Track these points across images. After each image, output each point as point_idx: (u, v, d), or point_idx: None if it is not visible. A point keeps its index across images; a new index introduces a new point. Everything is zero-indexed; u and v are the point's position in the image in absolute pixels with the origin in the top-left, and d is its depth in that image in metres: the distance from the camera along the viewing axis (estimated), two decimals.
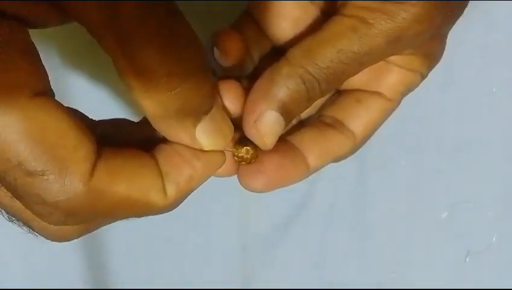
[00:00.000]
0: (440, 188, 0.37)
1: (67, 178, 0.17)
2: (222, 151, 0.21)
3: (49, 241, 0.20)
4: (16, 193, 0.17)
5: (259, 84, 0.22)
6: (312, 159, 0.24)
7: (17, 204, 0.18)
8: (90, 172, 0.17)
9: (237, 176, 0.23)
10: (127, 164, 0.18)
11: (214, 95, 0.19)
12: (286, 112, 0.22)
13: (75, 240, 0.36)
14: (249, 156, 0.22)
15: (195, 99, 0.18)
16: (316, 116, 0.26)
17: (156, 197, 0.19)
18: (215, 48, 0.23)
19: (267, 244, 0.36)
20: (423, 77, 0.25)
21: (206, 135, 0.19)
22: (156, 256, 0.36)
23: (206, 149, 0.20)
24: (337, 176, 0.36)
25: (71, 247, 0.35)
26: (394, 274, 0.37)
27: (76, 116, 0.18)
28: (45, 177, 0.17)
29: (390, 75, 0.24)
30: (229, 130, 0.21)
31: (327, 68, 0.21)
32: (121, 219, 0.20)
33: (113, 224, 0.35)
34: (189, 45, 0.18)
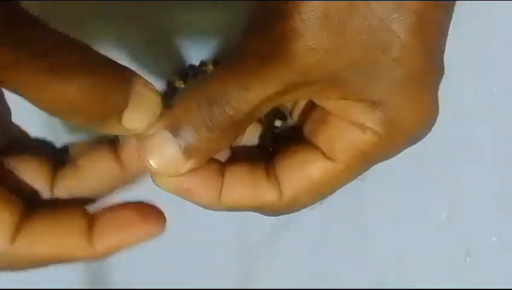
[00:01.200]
0: (440, 188, 0.37)
1: None
2: (161, 223, 0.21)
3: None
4: None
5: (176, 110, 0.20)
6: (228, 197, 0.21)
7: None
8: (12, 237, 0.19)
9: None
10: (54, 224, 0.20)
11: (127, 87, 0.18)
12: (188, 149, 0.20)
13: None
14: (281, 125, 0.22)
15: (110, 102, 0.18)
16: (259, 154, 0.23)
17: (80, 254, 0.20)
18: None
19: (267, 244, 0.36)
20: (384, 139, 0.20)
21: (133, 123, 0.19)
22: (156, 256, 0.36)
23: (140, 132, 0.19)
24: None
25: None
26: (394, 274, 0.37)
27: (3, 190, 0.19)
28: None
29: (341, 134, 0.20)
30: (155, 107, 0.19)
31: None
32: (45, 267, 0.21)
33: None
34: (81, 62, 0.18)
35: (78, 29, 0.33)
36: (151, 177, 0.21)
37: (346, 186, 0.36)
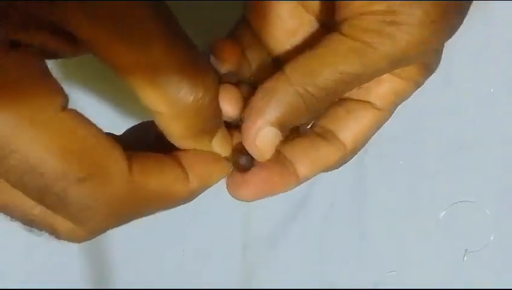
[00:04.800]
0: (438, 187, 0.37)
1: (110, 179, 0.18)
2: (228, 162, 0.23)
3: (71, 242, 0.21)
4: (62, 203, 0.18)
5: (258, 99, 0.22)
6: (302, 170, 0.24)
7: (41, 211, 0.19)
8: (128, 169, 0.19)
9: (226, 185, 0.23)
10: (152, 161, 0.20)
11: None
12: (283, 127, 0.22)
13: None
14: (247, 164, 0.23)
15: (214, 119, 0.20)
16: (307, 125, 0.26)
17: (181, 187, 0.21)
18: (211, 55, 0.24)
19: (267, 244, 0.36)
20: (418, 85, 0.24)
21: (219, 147, 0.22)
22: (156, 256, 0.36)
23: (222, 155, 0.22)
24: (336, 176, 0.36)
25: (71, 247, 0.35)
26: (393, 273, 0.37)
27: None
28: (90, 181, 0.18)
29: (381, 85, 0.23)
30: (230, 137, 0.23)
31: (328, 88, 0.21)
32: (148, 215, 0.21)
33: None
34: (207, 70, 0.19)
35: None
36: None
37: (345, 186, 0.36)
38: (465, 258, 0.37)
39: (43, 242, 0.35)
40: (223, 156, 0.22)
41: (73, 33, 0.18)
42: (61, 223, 0.19)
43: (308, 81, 0.21)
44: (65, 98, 0.18)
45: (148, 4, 0.18)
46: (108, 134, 0.21)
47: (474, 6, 0.34)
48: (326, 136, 0.24)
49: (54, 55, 0.19)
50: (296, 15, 0.24)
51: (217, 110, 0.21)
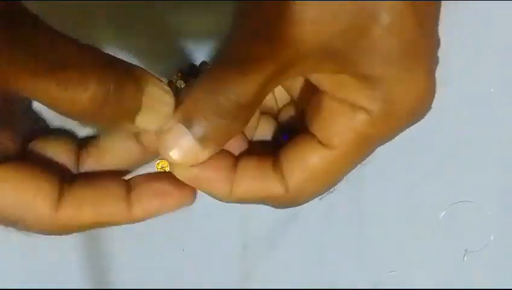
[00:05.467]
0: (438, 187, 0.37)
1: (35, 220, 0.21)
2: (193, 194, 0.23)
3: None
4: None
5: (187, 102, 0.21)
6: (239, 189, 0.23)
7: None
8: (54, 209, 0.20)
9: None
10: (93, 192, 0.21)
11: (139, 89, 0.20)
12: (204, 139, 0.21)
13: (75, 240, 0.36)
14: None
15: (123, 105, 0.19)
16: (270, 148, 0.24)
17: (119, 219, 0.22)
18: None
19: (267, 244, 0.36)
20: (381, 123, 0.20)
21: (147, 124, 0.20)
22: (156, 256, 0.36)
23: (153, 131, 0.20)
24: None
25: (71, 247, 0.35)
26: (392, 273, 0.37)
27: (36, 166, 0.21)
28: (20, 224, 0.21)
29: (335, 121, 0.20)
30: (167, 108, 0.20)
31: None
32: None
33: None
34: (103, 70, 0.19)
35: (76, 30, 0.33)
36: (171, 168, 0.22)
37: (344, 186, 0.36)
38: (465, 258, 0.37)
39: (43, 242, 0.35)
40: (154, 129, 0.20)
41: None
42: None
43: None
44: (5, 150, 0.20)
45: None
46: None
47: (474, 6, 0.34)
48: (275, 165, 0.22)
49: None
50: None
51: (121, 106, 0.19)
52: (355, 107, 0.20)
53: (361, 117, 0.20)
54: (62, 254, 0.35)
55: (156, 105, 0.20)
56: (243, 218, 0.36)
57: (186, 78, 0.34)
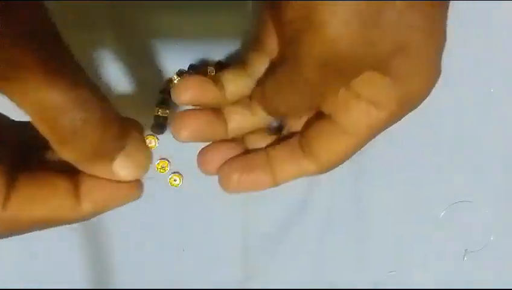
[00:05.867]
0: (438, 187, 0.37)
1: None
2: (140, 186, 0.23)
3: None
4: None
5: None
6: (279, 175, 0.26)
7: None
8: (3, 204, 0.20)
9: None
10: (41, 188, 0.21)
11: (125, 133, 0.22)
12: None
13: (75, 240, 0.36)
14: (278, 128, 0.27)
15: (104, 143, 0.20)
16: (297, 133, 0.27)
17: (69, 214, 0.21)
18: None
19: (267, 244, 0.36)
20: (392, 114, 0.24)
21: (123, 169, 0.22)
22: (156, 256, 0.36)
23: (128, 180, 0.22)
24: (335, 176, 0.36)
25: (71, 247, 0.35)
26: (393, 273, 0.37)
27: None
28: None
29: (357, 113, 0.24)
30: (146, 160, 0.23)
31: None
32: (36, 230, 0.22)
33: (113, 224, 0.35)
34: (91, 96, 0.20)
35: (77, 30, 0.33)
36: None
37: (345, 186, 0.36)
38: (465, 258, 0.37)
39: (43, 242, 0.35)
40: (128, 179, 0.22)
41: None
42: None
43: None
44: None
45: (27, 37, 0.18)
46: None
47: (474, 6, 0.34)
48: (305, 149, 0.26)
49: None
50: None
51: (108, 136, 0.21)
52: (378, 105, 0.24)
53: (382, 114, 0.24)
54: (62, 254, 0.35)
55: (135, 157, 0.22)
56: (243, 218, 0.36)
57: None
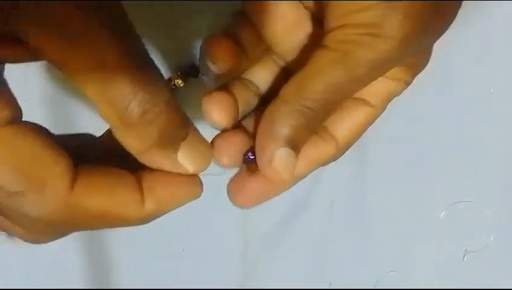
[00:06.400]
0: (438, 187, 0.37)
1: (46, 195, 0.18)
2: (200, 183, 0.22)
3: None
4: (1, 210, 0.19)
5: (264, 127, 0.23)
6: (298, 168, 0.24)
7: None
8: (69, 187, 0.19)
9: (227, 194, 0.24)
10: (105, 179, 0.20)
11: (188, 122, 0.21)
12: (294, 145, 0.22)
13: (75, 240, 0.36)
14: (256, 167, 0.23)
15: (170, 130, 0.20)
16: None
17: (132, 211, 0.20)
18: (205, 55, 0.23)
19: (267, 244, 0.36)
20: (407, 84, 0.25)
21: (187, 159, 0.21)
22: (156, 256, 0.36)
23: (191, 172, 0.21)
24: (336, 176, 0.36)
25: (72, 247, 0.35)
26: (393, 273, 0.37)
27: (50, 137, 0.19)
28: (26, 196, 0.18)
29: (374, 83, 0.24)
30: (208, 151, 0.22)
31: (321, 99, 0.22)
32: (96, 229, 0.21)
33: None
34: (157, 80, 0.19)
35: None
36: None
37: (345, 186, 0.36)
38: (465, 258, 0.37)
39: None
40: (192, 170, 0.21)
41: (23, 39, 0.17)
42: (12, 229, 0.20)
43: (302, 97, 0.22)
44: (13, 111, 0.18)
45: (100, 13, 0.18)
46: (62, 140, 0.21)
47: (474, 6, 0.34)
48: (320, 133, 0.25)
49: (9, 61, 0.19)
50: (295, 10, 0.25)
51: (174, 123, 0.20)
52: (400, 80, 0.24)
53: (401, 85, 0.24)
54: (62, 254, 0.35)
55: (198, 146, 0.21)
56: (243, 218, 0.36)
57: (186, 78, 0.34)
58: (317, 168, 0.25)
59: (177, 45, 0.34)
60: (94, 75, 0.18)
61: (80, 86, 0.18)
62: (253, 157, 0.23)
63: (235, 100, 0.23)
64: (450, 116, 0.36)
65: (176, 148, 0.21)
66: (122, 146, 0.20)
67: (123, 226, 0.21)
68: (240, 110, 0.24)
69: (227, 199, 0.36)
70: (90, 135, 0.23)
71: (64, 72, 0.18)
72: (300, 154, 0.24)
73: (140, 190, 0.20)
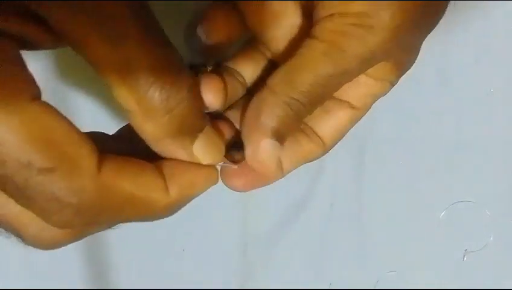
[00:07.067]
0: (438, 187, 0.37)
1: (76, 172, 0.18)
2: (216, 170, 0.22)
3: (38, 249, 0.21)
4: (25, 193, 0.17)
5: (249, 116, 0.23)
6: (285, 164, 0.25)
7: (7, 212, 0.19)
8: (98, 167, 0.18)
9: (220, 177, 0.24)
10: (128, 165, 0.19)
11: (205, 115, 0.21)
12: (280, 137, 0.22)
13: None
14: (240, 158, 0.24)
15: (190, 118, 0.20)
16: None
17: (158, 196, 0.20)
18: (203, 23, 0.24)
19: (267, 244, 0.36)
20: (392, 84, 0.25)
21: (203, 151, 0.21)
22: (156, 256, 0.36)
23: (205, 163, 0.21)
24: (336, 176, 0.36)
25: (72, 247, 0.35)
26: (393, 273, 0.37)
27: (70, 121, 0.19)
28: (56, 173, 0.17)
29: (358, 86, 0.24)
30: (222, 144, 0.22)
31: (308, 92, 0.22)
32: (123, 221, 0.20)
33: None
34: (180, 69, 0.19)
35: None
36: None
37: (345, 186, 0.36)
38: (465, 258, 0.37)
39: None
40: (207, 162, 0.21)
41: (50, 24, 0.17)
42: (27, 226, 0.19)
43: (290, 89, 0.22)
44: (37, 89, 0.18)
45: (126, 0, 0.18)
46: (98, 133, 0.21)
47: (474, 6, 0.34)
48: (306, 131, 0.25)
49: (31, 46, 0.19)
50: (291, 12, 0.24)
51: (195, 111, 0.20)
52: (384, 81, 0.24)
53: (386, 86, 0.25)
54: (62, 254, 0.35)
55: (214, 138, 0.21)
56: (243, 218, 0.36)
57: None
58: (303, 164, 0.26)
59: (176, 45, 0.34)
60: (115, 56, 0.17)
61: (99, 68, 0.18)
62: (236, 148, 0.23)
63: (226, 85, 0.23)
64: (450, 116, 0.36)
65: (193, 139, 0.21)
66: (136, 142, 0.20)
67: (150, 216, 0.20)
68: (226, 98, 0.23)
69: (227, 199, 0.36)
70: (102, 133, 0.23)
71: (85, 54, 0.18)
72: (288, 151, 0.24)
73: (163, 177, 0.20)
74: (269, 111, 0.22)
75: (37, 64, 0.32)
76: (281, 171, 0.25)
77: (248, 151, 0.22)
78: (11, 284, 0.35)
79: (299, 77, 0.22)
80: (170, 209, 0.21)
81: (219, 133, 0.22)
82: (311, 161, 0.26)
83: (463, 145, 0.37)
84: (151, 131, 0.19)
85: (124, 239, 0.35)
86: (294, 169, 0.26)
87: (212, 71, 0.24)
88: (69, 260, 0.35)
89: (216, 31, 0.24)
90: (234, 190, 0.24)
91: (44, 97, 0.18)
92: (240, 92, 0.25)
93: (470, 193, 0.37)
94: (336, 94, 0.24)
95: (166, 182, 0.20)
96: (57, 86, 0.33)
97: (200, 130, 0.21)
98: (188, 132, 0.20)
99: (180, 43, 0.34)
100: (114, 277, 0.35)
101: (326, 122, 0.25)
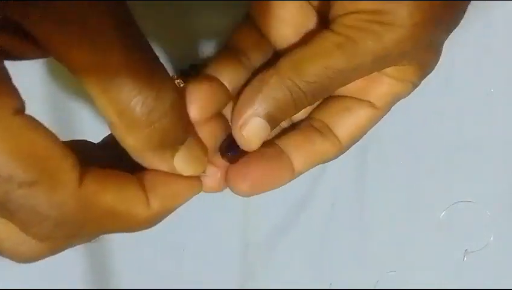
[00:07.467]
0: (438, 187, 0.37)
1: (58, 186, 0.18)
2: (199, 179, 0.22)
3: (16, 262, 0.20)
4: (5, 206, 0.18)
5: (248, 91, 0.22)
6: (297, 164, 0.24)
7: None
8: (79, 181, 0.18)
9: (225, 182, 0.24)
10: (110, 178, 0.19)
11: (189, 126, 0.21)
12: (272, 119, 0.22)
13: None
14: (235, 156, 0.23)
15: (172, 132, 0.20)
16: (306, 119, 0.26)
17: (139, 210, 0.20)
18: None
19: (267, 244, 0.36)
20: (414, 86, 0.25)
21: (184, 163, 0.21)
22: (156, 256, 0.36)
23: (186, 175, 0.21)
24: (336, 176, 0.36)
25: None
26: (393, 273, 0.37)
27: (54, 134, 0.19)
28: (37, 187, 0.17)
29: (380, 85, 0.24)
30: (204, 155, 0.22)
31: (314, 82, 0.22)
32: (103, 233, 0.20)
33: None
34: (163, 78, 0.19)
35: None
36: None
37: (345, 186, 0.36)
38: (465, 258, 0.37)
39: None
40: (188, 174, 0.21)
41: (31, 32, 0.17)
42: (3, 240, 0.19)
43: (296, 75, 0.22)
44: (21, 102, 0.18)
45: (106, 9, 0.17)
46: (83, 141, 0.21)
47: (474, 6, 0.34)
48: (322, 130, 0.25)
49: (15, 57, 0.19)
50: (303, 11, 0.24)
51: (177, 125, 0.20)
52: (407, 82, 0.24)
53: (408, 87, 0.24)
54: (62, 254, 0.35)
55: (196, 150, 0.21)
56: (243, 218, 0.36)
57: (185, 78, 0.34)
58: (318, 164, 0.25)
59: (176, 45, 0.34)
60: (98, 70, 0.17)
61: (81, 80, 0.18)
62: (232, 147, 0.23)
63: (213, 96, 0.23)
64: (450, 116, 0.36)
65: (174, 152, 0.20)
66: (120, 150, 0.20)
67: (132, 228, 0.20)
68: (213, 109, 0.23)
69: (227, 199, 0.36)
70: (87, 141, 0.22)
71: (67, 66, 0.18)
72: (300, 150, 0.24)
73: (144, 189, 0.20)
74: (269, 92, 0.22)
75: (34, 67, 0.32)
76: (292, 172, 0.24)
77: (235, 122, 0.22)
78: (11, 284, 0.35)
79: (308, 66, 0.22)
80: (152, 222, 0.21)
81: (201, 145, 0.22)
82: (326, 161, 0.25)
83: (463, 145, 0.37)
84: (132, 143, 0.19)
85: (124, 239, 0.35)
86: (307, 170, 0.25)
87: (198, 80, 0.23)
88: (69, 260, 0.35)
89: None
90: (240, 194, 0.24)
91: (41, 102, 0.18)
92: (225, 101, 0.24)
93: (470, 193, 0.37)
94: (357, 93, 0.25)
95: (147, 194, 0.20)
96: (53, 90, 0.33)
97: (182, 143, 0.20)
98: (168, 145, 0.20)
99: (163, 46, 0.34)
100: (114, 277, 0.35)
101: (346, 121, 0.25)
